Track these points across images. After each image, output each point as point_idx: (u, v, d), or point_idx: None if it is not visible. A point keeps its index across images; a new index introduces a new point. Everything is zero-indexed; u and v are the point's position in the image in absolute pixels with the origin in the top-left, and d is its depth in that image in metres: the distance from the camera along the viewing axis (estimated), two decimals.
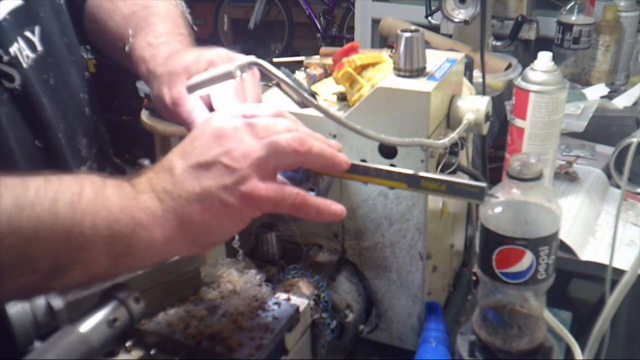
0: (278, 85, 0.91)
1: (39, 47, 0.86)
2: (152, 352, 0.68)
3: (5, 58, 0.81)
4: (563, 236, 1.11)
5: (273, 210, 0.65)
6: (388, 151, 0.79)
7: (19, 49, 0.83)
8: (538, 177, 0.70)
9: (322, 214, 0.67)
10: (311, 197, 0.66)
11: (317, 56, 1.01)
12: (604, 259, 1.12)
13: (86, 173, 0.87)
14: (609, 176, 1.35)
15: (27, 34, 0.85)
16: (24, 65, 0.83)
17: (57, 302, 0.63)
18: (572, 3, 1.78)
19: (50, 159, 0.87)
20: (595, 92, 1.73)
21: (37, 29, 0.86)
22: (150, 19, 0.92)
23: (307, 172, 0.70)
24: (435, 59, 0.83)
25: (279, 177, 0.68)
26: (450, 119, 0.83)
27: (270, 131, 0.65)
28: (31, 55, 0.85)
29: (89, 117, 0.97)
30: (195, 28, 0.98)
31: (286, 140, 0.64)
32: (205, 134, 0.65)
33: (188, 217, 0.62)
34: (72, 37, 0.95)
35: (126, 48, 0.90)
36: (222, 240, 0.68)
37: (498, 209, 0.71)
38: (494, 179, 1.10)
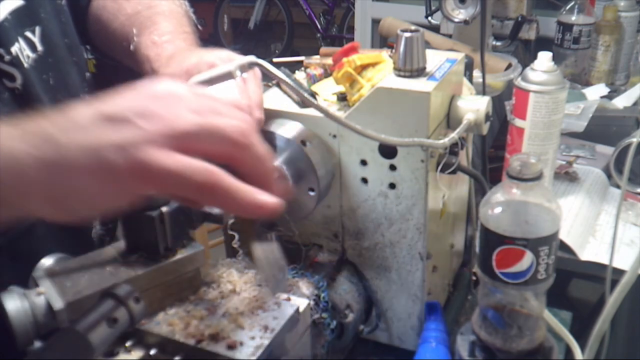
0: (278, 85, 0.91)
1: (39, 47, 0.86)
2: (152, 352, 0.68)
3: (7, 58, 0.81)
4: (563, 236, 1.11)
5: (172, 190, 0.53)
6: (388, 151, 0.79)
7: (20, 48, 0.83)
8: (538, 177, 0.70)
9: (242, 204, 0.53)
10: (231, 180, 0.53)
11: (317, 56, 1.00)
12: (604, 259, 1.12)
13: None
14: (609, 176, 1.35)
15: (28, 34, 0.85)
16: (25, 65, 0.83)
17: (57, 302, 0.63)
18: (572, 3, 1.78)
19: None
20: (595, 92, 1.73)
21: (37, 29, 0.86)
22: (155, 18, 0.93)
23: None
24: (435, 59, 0.83)
25: None
26: (450, 119, 0.83)
27: (216, 113, 0.55)
28: (31, 55, 0.85)
29: None
30: (199, 27, 0.98)
31: (227, 124, 0.53)
32: (140, 91, 0.56)
33: (61, 171, 0.52)
34: (73, 37, 0.95)
35: (131, 47, 0.90)
36: (93, 211, 0.58)
37: (498, 209, 0.71)
38: (494, 179, 1.10)
